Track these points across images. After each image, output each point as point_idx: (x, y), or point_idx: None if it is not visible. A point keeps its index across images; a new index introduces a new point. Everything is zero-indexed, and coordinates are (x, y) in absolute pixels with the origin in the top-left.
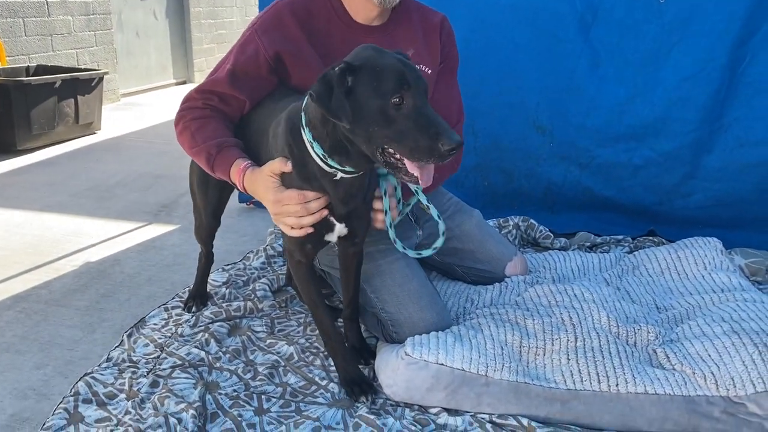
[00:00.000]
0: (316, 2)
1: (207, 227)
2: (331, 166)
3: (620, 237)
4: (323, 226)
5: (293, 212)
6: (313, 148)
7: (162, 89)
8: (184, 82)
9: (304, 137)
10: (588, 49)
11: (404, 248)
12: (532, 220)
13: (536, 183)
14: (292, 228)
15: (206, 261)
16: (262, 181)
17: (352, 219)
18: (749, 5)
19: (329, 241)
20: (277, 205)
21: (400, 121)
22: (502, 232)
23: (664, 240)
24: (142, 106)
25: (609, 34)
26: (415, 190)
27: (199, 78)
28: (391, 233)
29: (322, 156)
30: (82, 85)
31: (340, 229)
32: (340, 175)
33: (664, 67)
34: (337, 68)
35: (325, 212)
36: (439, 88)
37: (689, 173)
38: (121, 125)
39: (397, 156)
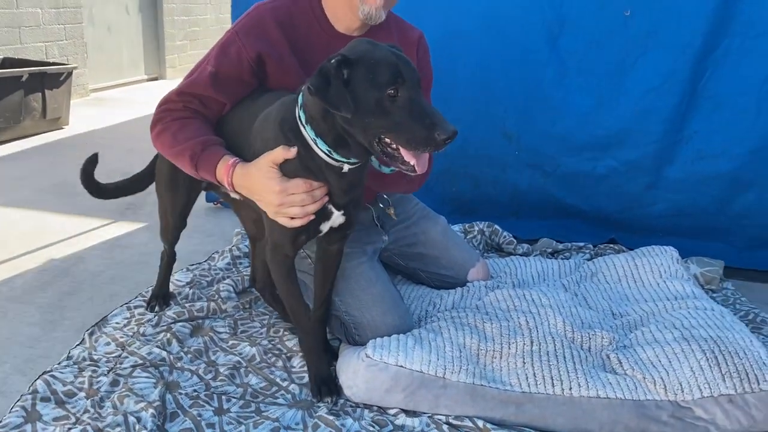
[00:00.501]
0: (298, 9)
1: (173, 228)
2: (337, 160)
3: (581, 244)
4: (321, 215)
5: (299, 201)
6: (317, 144)
7: (133, 85)
8: (155, 78)
9: (306, 134)
10: (555, 59)
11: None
12: (496, 226)
13: (502, 189)
14: (293, 218)
15: (168, 260)
16: (260, 172)
17: (349, 207)
18: (711, 21)
19: (321, 232)
20: (282, 194)
21: (396, 113)
22: (468, 237)
23: (624, 248)
24: (112, 102)
25: (576, 45)
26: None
27: (171, 74)
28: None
29: (327, 151)
30: (50, 79)
31: (337, 217)
32: (346, 167)
33: (628, 78)
34: (333, 60)
35: (326, 199)
36: None
37: (651, 183)
38: (90, 121)
39: (393, 146)
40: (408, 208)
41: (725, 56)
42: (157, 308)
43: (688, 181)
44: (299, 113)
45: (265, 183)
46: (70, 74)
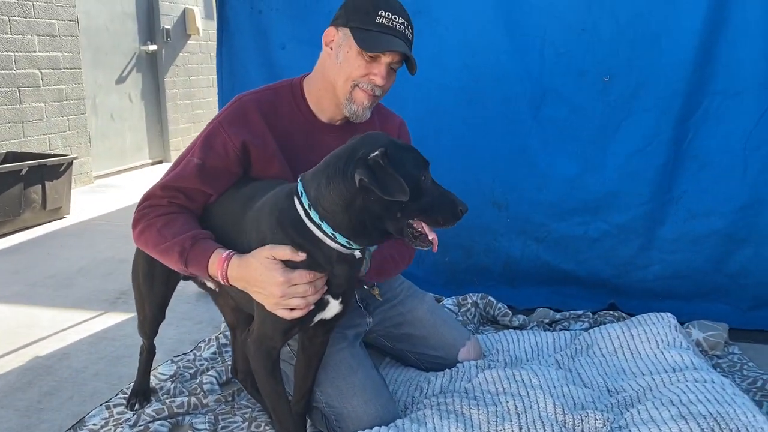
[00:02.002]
0: (280, 98)
1: (152, 321)
2: (352, 249)
3: (580, 312)
4: (318, 305)
5: (302, 292)
6: (336, 239)
7: (137, 169)
8: (160, 162)
9: (316, 230)
10: (538, 128)
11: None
12: (490, 297)
13: (495, 258)
14: (293, 309)
15: (148, 355)
16: (261, 264)
17: (347, 295)
18: (690, 81)
19: (314, 322)
20: (285, 285)
21: (428, 194)
22: (461, 310)
23: (624, 314)
24: (116, 188)
25: (558, 113)
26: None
27: (176, 157)
28: None
29: (346, 243)
30: (49, 171)
31: (334, 306)
32: (358, 253)
33: (613, 142)
34: (377, 152)
35: (325, 288)
36: None
37: (645, 245)
38: (92, 208)
39: (416, 226)
40: (394, 286)
41: (706, 116)
42: (137, 406)
43: (681, 241)
44: (306, 210)
45: (267, 274)
46: (70, 164)
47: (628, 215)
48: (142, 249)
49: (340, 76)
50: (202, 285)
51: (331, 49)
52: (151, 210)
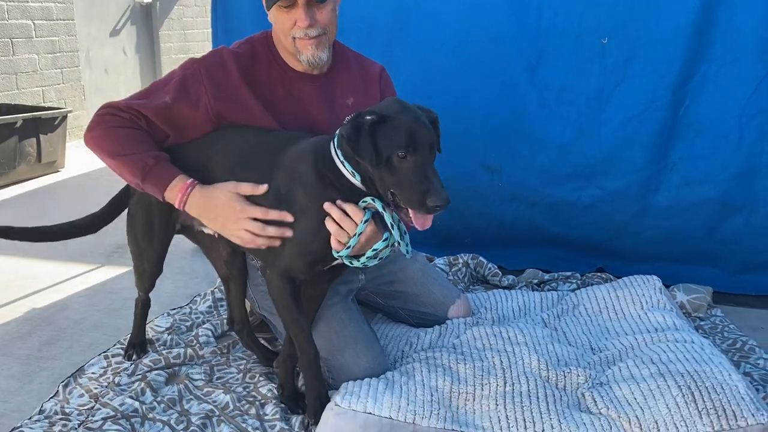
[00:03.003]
0: (258, 52)
1: (150, 275)
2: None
3: (569, 273)
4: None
5: (251, 228)
6: (354, 177)
7: None
8: None
9: (344, 169)
10: (534, 91)
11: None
12: (481, 258)
13: (488, 222)
14: (245, 241)
15: (143, 308)
16: (225, 195)
17: None
18: (688, 47)
19: (334, 261)
20: (242, 213)
21: (402, 173)
22: (452, 269)
23: (612, 276)
24: None
25: (554, 76)
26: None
27: None
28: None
29: (361, 184)
30: (44, 124)
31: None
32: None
33: (608, 107)
34: (368, 117)
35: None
36: None
37: (638, 211)
38: (86, 162)
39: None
40: None
41: (704, 82)
42: (134, 356)
43: (675, 208)
44: (337, 153)
45: (228, 204)
46: (65, 118)
47: (623, 181)
48: (94, 152)
49: (280, 35)
50: (195, 237)
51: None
52: (112, 119)
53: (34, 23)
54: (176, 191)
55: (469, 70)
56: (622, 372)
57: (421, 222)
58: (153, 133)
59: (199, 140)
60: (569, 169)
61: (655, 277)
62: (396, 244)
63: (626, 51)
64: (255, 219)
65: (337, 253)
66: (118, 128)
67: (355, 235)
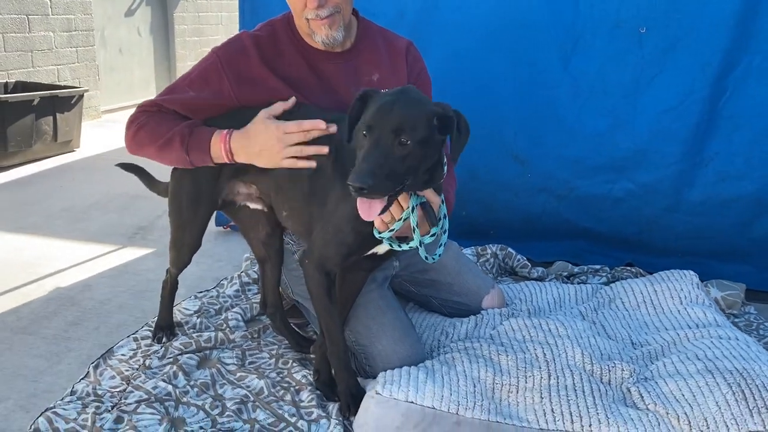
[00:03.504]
0: (279, 34)
1: (191, 248)
2: None
3: (598, 267)
4: (373, 241)
5: (296, 138)
6: None
7: None
8: None
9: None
10: (568, 79)
11: (426, 256)
12: (509, 249)
13: (514, 214)
14: (297, 159)
15: (171, 289)
16: (257, 125)
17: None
18: (730, 37)
19: (374, 253)
20: (281, 132)
21: (361, 147)
22: (480, 260)
23: (642, 271)
24: (123, 123)
25: (589, 65)
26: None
27: None
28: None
29: None
30: (61, 103)
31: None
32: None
33: (644, 98)
34: (363, 91)
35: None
36: None
37: (671, 206)
38: (101, 143)
39: None
40: None
41: (746, 75)
42: (164, 339)
43: (708, 203)
44: None
45: (264, 130)
46: (81, 97)
47: (656, 175)
48: (138, 152)
49: (295, 16)
50: (236, 215)
51: None
52: (141, 114)
53: (50, 0)
54: (218, 146)
55: (500, 57)
56: (667, 367)
57: (361, 211)
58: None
59: (234, 116)
60: (601, 161)
61: (691, 272)
62: (419, 244)
63: (665, 41)
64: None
65: (380, 233)
66: (149, 118)
67: (400, 219)
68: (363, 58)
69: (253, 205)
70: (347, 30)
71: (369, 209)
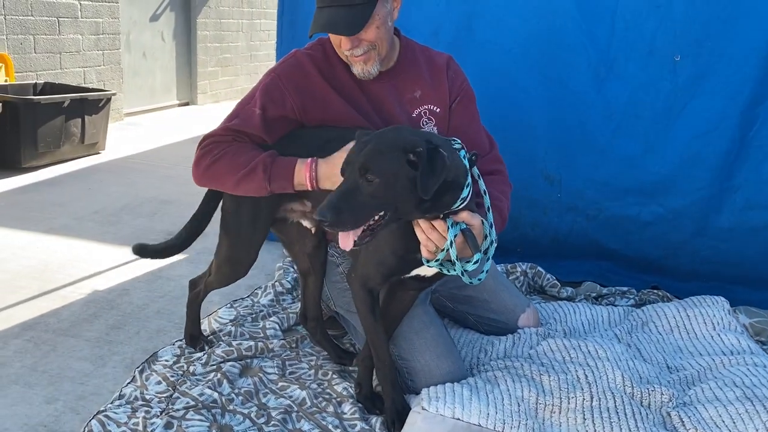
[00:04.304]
0: (329, 53)
1: (250, 263)
2: None
3: (625, 289)
4: (414, 263)
5: None
6: None
7: (165, 110)
8: (187, 104)
9: None
10: (601, 101)
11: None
12: (539, 268)
13: (542, 232)
14: None
15: (199, 302)
16: (341, 154)
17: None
18: (761, 67)
19: (415, 274)
20: None
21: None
22: (510, 278)
23: (668, 294)
24: (145, 127)
25: (622, 88)
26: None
27: (202, 100)
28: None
29: None
30: (89, 105)
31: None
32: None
33: (676, 123)
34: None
35: None
36: (464, 121)
37: (697, 231)
38: (125, 146)
39: None
40: None
41: None
42: (205, 347)
43: (735, 230)
44: None
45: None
46: (108, 100)
47: (685, 200)
48: (210, 184)
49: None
50: (284, 230)
51: None
52: (216, 146)
53: (80, 3)
54: (303, 174)
55: (534, 77)
56: (705, 393)
57: (340, 241)
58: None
59: (294, 139)
60: (631, 184)
61: (722, 298)
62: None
63: (697, 69)
64: None
65: (427, 262)
66: (225, 151)
67: (443, 249)
68: (405, 76)
69: (305, 223)
70: (390, 50)
71: (345, 239)
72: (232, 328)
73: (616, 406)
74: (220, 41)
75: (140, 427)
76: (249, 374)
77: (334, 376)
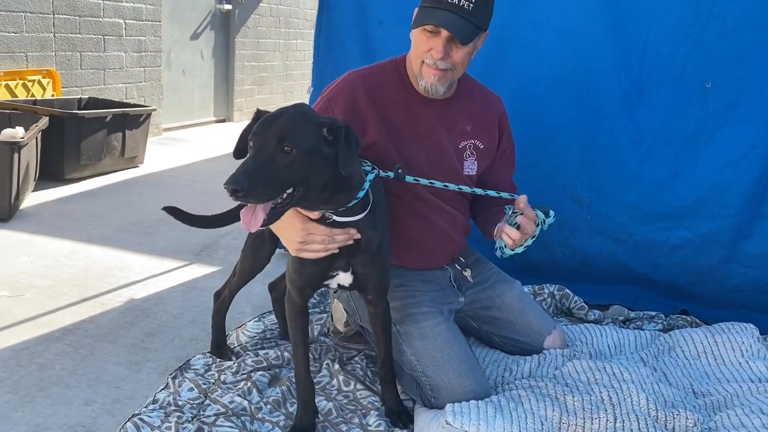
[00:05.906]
0: (385, 74)
1: (268, 253)
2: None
3: (653, 313)
4: (324, 272)
5: (318, 240)
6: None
7: (202, 126)
8: (223, 120)
9: None
10: (631, 126)
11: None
12: (567, 290)
13: (571, 254)
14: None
15: (225, 309)
16: (287, 216)
17: (356, 267)
18: None
19: (328, 287)
20: (303, 232)
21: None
22: (537, 299)
23: (696, 320)
24: (183, 142)
25: (653, 114)
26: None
27: (238, 117)
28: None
29: None
30: (130, 120)
31: (343, 277)
32: (336, 218)
33: (706, 149)
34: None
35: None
36: (501, 166)
37: (727, 257)
38: (163, 160)
39: None
40: (484, 270)
41: None
42: (233, 357)
43: (766, 256)
44: None
45: (290, 222)
46: (149, 116)
47: (714, 225)
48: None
49: (413, 54)
50: None
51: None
52: None
53: (125, 22)
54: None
55: (565, 101)
56: (731, 419)
57: (243, 221)
58: None
59: None
60: (661, 209)
61: (752, 326)
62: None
63: (729, 96)
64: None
65: (512, 250)
66: None
67: (534, 236)
68: (460, 109)
69: None
70: (452, 83)
71: (251, 220)
72: (260, 342)
73: (639, 428)
74: (257, 60)
75: None
76: (277, 384)
77: (359, 386)
